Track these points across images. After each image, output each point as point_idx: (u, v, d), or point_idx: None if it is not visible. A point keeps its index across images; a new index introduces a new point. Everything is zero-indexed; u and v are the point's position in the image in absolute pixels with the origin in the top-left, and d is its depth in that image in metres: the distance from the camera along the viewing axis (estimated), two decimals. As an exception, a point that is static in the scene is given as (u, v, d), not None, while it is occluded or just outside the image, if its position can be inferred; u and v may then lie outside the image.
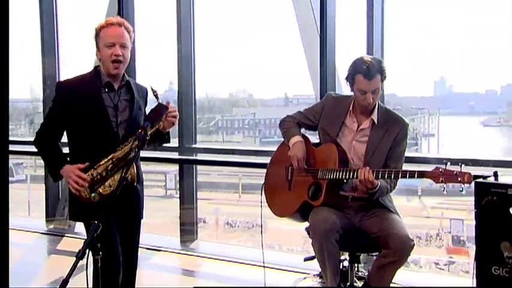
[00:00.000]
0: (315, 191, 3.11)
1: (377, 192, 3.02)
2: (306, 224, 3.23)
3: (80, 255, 2.03)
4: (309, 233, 3.09)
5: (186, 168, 5.27)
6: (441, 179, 2.75)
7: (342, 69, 4.41)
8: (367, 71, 2.98)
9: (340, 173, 3.02)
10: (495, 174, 3.17)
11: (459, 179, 2.72)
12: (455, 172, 2.73)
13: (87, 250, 2.07)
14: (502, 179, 3.16)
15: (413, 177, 2.86)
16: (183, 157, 5.22)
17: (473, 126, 13.01)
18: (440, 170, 2.76)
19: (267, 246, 3.78)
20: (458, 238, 10.53)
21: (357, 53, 4.23)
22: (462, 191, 2.76)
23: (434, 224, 10.73)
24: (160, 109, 2.62)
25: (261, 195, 3.38)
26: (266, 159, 5.01)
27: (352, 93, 3.17)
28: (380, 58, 3.09)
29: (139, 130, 2.50)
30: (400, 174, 2.90)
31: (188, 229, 5.32)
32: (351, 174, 3.00)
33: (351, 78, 3.08)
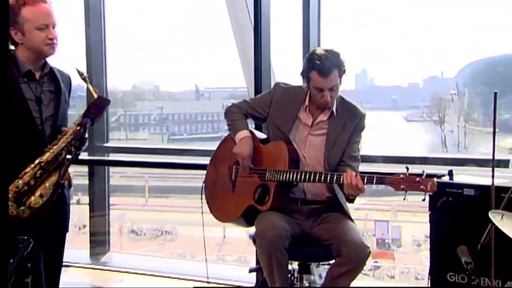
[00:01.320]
0: (262, 194, 3.09)
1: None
2: (251, 230, 3.21)
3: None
4: (254, 241, 3.05)
5: (96, 170, 5.09)
6: (402, 186, 2.74)
7: (277, 60, 4.44)
8: (321, 68, 2.97)
9: (291, 175, 3.00)
10: (450, 173, 3.28)
11: (422, 187, 2.72)
12: (417, 179, 2.73)
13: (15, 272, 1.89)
14: (457, 178, 3.28)
15: (372, 183, 2.86)
16: (95, 158, 5.03)
17: (396, 121, 13.50)
18: (402, 176, 2.75)
19: (178, 255, 3.72)
20: (383, 241, 10.91)
21: (293, 44, 4.32)
22: (424, 200, 2.78)
23: (358, 227, 11.12)
24: (102, 102, 2.44)
25: (202, 198, 3.32)
26: (189, 159, 5.01)
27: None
28: (337, 51, 3.02)
29: (77, 127, 2.32)
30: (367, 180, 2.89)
31: (99, 240, 5.14)
32: (302, 176, 3.00)
33: (306, 75, 3.07)
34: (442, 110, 12.35)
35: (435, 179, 2.78)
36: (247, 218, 3.15)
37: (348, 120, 3.14)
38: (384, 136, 12.67)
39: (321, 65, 2.96)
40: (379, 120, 13.01)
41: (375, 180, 2.83)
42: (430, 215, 3.27)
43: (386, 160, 3.98)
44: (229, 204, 3.22)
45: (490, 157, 2.64)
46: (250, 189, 3.13)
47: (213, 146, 3.49)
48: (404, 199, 2.78)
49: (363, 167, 3.24)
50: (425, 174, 2.75)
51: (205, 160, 3.50)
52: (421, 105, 13.16)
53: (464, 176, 3.36)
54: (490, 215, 2.39)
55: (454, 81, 12.78)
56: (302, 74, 3.09)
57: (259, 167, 3.15)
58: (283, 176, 3.02)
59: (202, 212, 3.33)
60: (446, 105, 12.35)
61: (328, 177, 2.92)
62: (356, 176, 2.84)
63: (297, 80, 3.24)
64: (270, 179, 3.07)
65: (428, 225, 3.28)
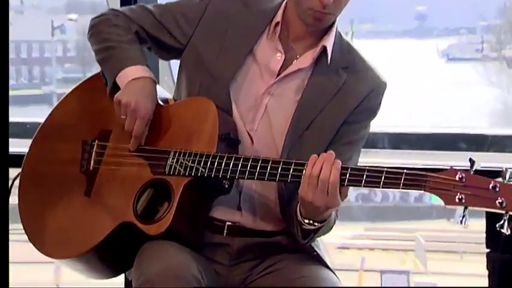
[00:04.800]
0: (153, 202, 3.18)
1: (323, 227, 3.09)
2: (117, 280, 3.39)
3: None
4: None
5: None
6: (459, 196, 2.78)
7: None
8: None
9: (223, 164, 3.06)
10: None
11: (500, 201, 2.73)
12: (492, 184, 2.75)
13: None
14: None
15: (389, 186, 2.88)
16: None
17: (426, 59, 13.72)
18: (460, 175, 2.80)
19: None
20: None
21: None
22: (503, 226, 2.74)
23: (346, 284, 11.19)
24: None
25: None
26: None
27: None
28: None
29: None
30: (372, 179, 2.88)
31: None
32: (245, 166, 3.04)
33: None
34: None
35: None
36: (115, 251, 3.24)
37: (351, 84, 3.26)
38: (397, 92, 12.75)
39: None
40: (388, 58, 13.12)
41: (390, 181, 2.85)
42: (487, 256, 3.40)
43: (397, 141, 4.12)
44: (77, 219, 3.29)
45: None
46: (128, 190, 3.20)
47: (34, 116, 3.50)
48: (462, 222, 2.86)
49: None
50: (509, 173, 2.77)
51: (21, 147, 3.58)
52: (478, 26, 13.31)
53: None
54: None
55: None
56: None
57: (154, 146, 3.23)
58: (204, 166, 3.09)
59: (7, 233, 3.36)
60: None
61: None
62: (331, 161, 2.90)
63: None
64: (177, 170, 3.13)
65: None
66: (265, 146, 3.20)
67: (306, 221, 3.02)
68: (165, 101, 3.34)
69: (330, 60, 3.19)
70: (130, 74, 3.20)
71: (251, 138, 3.21)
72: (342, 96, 3.21)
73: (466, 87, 13.02)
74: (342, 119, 3.20)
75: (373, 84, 3.27)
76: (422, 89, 13.23)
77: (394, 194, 12.17)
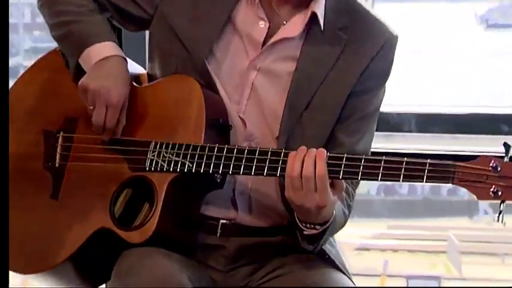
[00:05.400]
0: (132, 204, 3.18)
1: (328, 229, 3.07)
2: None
3: None
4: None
5: None
6: (494, 188, 2.76)
7: None
8: None
9: (213, 157, 3.05)
10: None
11: None
12: None
13: None
14: None
15: (411, 178, 2.86)
16: None
17: (462, 25, 13.71)
18: (493, 163, 2.78)
19: None
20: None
21: None
22: None
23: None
24: None
25: None
26: None
27: None
28: None
29: None
30: (389, 171, 2.88)
31: None
32: (239, 159, 3.03)
33: None
34: None
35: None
36: (91, 263, 3.25)
37: (354, 44, 3.23)
38: (427, 65, 12.73)
39: None
40: (416, 25, 13.10)
41: (411, 173, 2.84)
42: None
43: (426, 124, 4.12)
44: (43, 226, 3.28)
45: None
46: (102, 191, 3.19)
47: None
48: (499, 219, 2.82)
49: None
50: None
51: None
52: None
53: None
54: None
55: None
56: None
57: (131, 136, 3.21)
58: (192, 160, 3.08)
59: None
60: None
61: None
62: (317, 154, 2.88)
63: None
64: (159, 165, 3.12)
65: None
66: (259, 131, 3.20)
67: (306, 225, 3.02)
68: (137, 77, 3.32)
69: (323, 26, 3.17)
70: (96, 54, 3.17)
71: (243, 122, 3.20)
72: (344, 61, 3.18)
73: (509, 58, 12.92)
74: (348, 89, 3.17)
75: (382, 40, 3.24)
76: (456, 61, 13.16)
77: (423, 185, 12.09)
